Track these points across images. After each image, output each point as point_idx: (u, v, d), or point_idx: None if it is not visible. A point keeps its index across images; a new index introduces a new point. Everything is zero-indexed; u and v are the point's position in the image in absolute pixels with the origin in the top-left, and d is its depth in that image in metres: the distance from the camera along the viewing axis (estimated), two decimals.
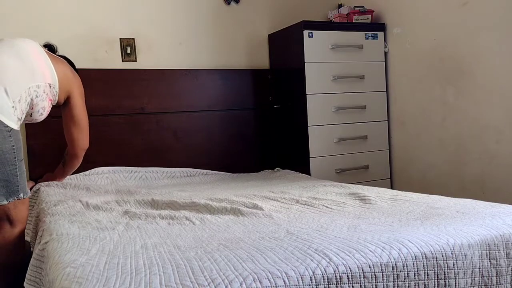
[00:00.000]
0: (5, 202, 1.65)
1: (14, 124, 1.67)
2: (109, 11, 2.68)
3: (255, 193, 1.98)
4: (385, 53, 2.95)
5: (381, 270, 1.07)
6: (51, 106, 1.94)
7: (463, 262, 1.17)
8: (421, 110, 2.74)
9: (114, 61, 2.68)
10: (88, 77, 2.39)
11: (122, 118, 2.62)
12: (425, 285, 1.12)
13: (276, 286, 0.96)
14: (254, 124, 2.95)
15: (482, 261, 1.21)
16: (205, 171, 2.69)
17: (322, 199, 1.81)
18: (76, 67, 2.20)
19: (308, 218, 1.51)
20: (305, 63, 2.71)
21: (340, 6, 3.01)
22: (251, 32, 3.04)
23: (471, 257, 1.19)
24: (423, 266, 1.12)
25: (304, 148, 2.76)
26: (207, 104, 2.82)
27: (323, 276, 1.01)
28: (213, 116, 2.84)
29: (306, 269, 1.01)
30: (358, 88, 2.86)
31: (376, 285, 1.06)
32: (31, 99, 1.78)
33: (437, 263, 1.14)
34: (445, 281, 1.14)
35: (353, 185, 2.20)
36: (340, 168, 2.81)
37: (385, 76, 2.95)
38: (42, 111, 1.88)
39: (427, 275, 1.13)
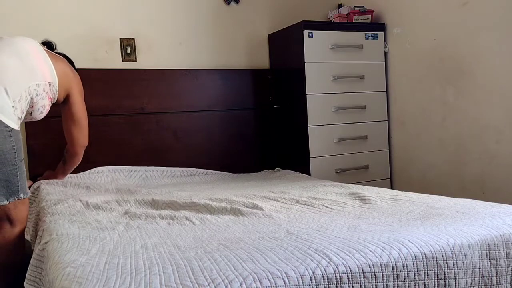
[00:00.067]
0: (5, 202, 1.65)
1: (15, 124, 1.67)
2: (109, 11, 2.68)
3: (255, 193, 1.98)
4: (385, 53, 2.95)
5: (381, 270, 1.07)
6: (51, 104, 1.94)
7: (463, 262, 1.17)
8: (421, 110, 2.75)
9: (114, 61, 2.68)
10: (88, 77, 2.39)
11: (122, 118, 2.62)
12: (425, 285, 1.12)
13: (276, 286, 0.96)
14: (254, 124, 2.95)
15: (482, 261, 1.21)
16: (205, 170, 2.69)
17: (322, 199, 1.81)
18: (76, 67, 2.21)
19: (308, 218, 1.51)
20: (305, 63, 2.71)
21: (340, 6, 3.01)
22: (251, 32, 3.04)
23: (471, 257, 1.19)
24: (423, 266, 1.12)
25: (304, 148, 2.76)
26: (207, 104, 2.82)
27: (323, 276, 1.01)
28: (213, 116, 2.84)
29: (306, 269, 1.01)
30: (358, 88, 2.86)
31: (376, 285, 1.06)
32: (31, 98, 1.78)
33: (437, 263, 1.14)
34: (445, 281, 1.14)
35: (353, 185, 2.20)
36: (340, 168, 2.81)
37: (385, 76, 2.95)
38: (42, 110, 1.88)
39: (427, 275, 1.13)
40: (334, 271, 1.03)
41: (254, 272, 0.98)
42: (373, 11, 2.95)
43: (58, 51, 2.12)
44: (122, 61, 2.70)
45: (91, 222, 1.54)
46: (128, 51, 2.71)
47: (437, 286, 1.14)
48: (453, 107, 2.54)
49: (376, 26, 2.91)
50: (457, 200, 1.65)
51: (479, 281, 1.20)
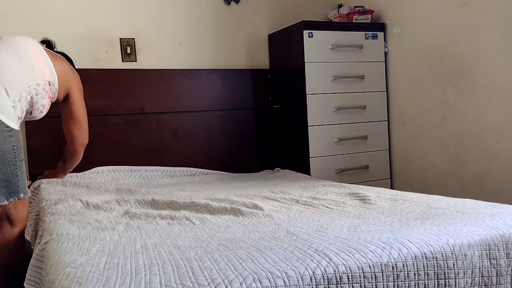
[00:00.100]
0: (5, 202, 1.65)
1: (15, 124, 1.67)
2: (109, 11, 2.68)
3: (255, 193, 1.98)
4: (385, 53, 2.95)
5: (381, 270, 1.07)
6: (51, 103, 1.94)
7: (463, 262, 1.17)
8: (421, 110, 2.74)
9: (114, 61, 2.68)
10: (88, 77, 2.39)
11: (122, 118, 2.62)
12: (425, 285, 1.12)
13: (276, 286, 0.96)
14: (254, 124, 2.95)
15: (482, 261, 1.21)
16: (205, 170, 2.69)
17: (322, 199, 1.81)
18: (75, 64, 2.20)
19: (308, 218, 1.51)
20: (305, 63, 2.71)
21: (340, 6, 3.01)
22: (251, 32, 3.04)
23: (471, 257, 1.19)
24: (423, 266, 1.12)
25: (304, 148, 2.76)
26: (207, 104, 2.82)
27: (323, 276, 1.01)
28: (213, 116, 2.84)
29: (306, 269, 1.01)
30: (358, 88, 2.86)
31: (376, 285, 1.06)
32: (31, 98, 1.79)
33: (437, 263, 1.14)
34: (445, 281, 1.14)
35: (353, 185, 2.20)
36: (340, 168, 2.81)
37: (385, 76, 2.95)
38: (42, 109, 1.88)
39: (427, 275, 1.13)
40: (334, 271, 1.03)
41: (254, 272, 0.98)
42: (373, 11, 2.95)
43: (57, 50, 2.12)
44: (122, 61, 2.70)
45: (91, 222, 1.54)
46: (128, 51, 2.71)
47: (437, 286, 1.14)
48: (453, 107, 2.54)
49: (376, 26, 2.91)
50: (457, 200, 1.65)
51: (479, 281, 1.20)
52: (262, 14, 3.06)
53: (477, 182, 2.43)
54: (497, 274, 1.23)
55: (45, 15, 2.53)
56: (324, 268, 1.03)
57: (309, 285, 1.00)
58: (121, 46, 2.70)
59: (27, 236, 1.89)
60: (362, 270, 1.06)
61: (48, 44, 2.07)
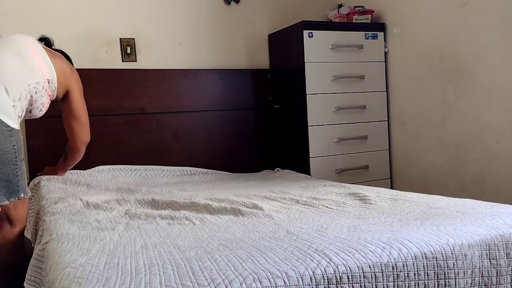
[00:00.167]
0: (6, 202, 1.64)
1: (15, 123, 1.67)
2: (109, 11, 2.68)
3: (255, 193, 1.98)
4: (385, 53, 2.95)
5: (381, 270, 1.07)
6: (50, 101, 1.94)
7: (463, 262, 1.17)
8: (421, 110, 2.75)
9: (114, 61, 2.68)
10: (88, 77, 2.39)
11: (122, 118, 2.62)
12: (425, 285, 1.12)
13: (276, 286, 0.96)
14: (254, 124, 2.95)
15: (482, 261, 1.21)
16: (205, 170, 2.69)
17: (322, 199, 1.81)
18: (75, 66, 2.20)
19: (308, 218, 1.51)
20: (305, 63, 2.71)
21: (340, 6, 3.01)
22: (251, 32, 3.04)
23: (471, 257, 1.19)
24: (423, 266, 1.12)
25: (304, 148, 2.76)
26: (207, 104, 2.82)
27: (323, 276, 1.01)
28: (213, 116, 2.84)
29: (306, 269, 1.01)
30: (358, 88, 2.87)
31: (376, 285, 1.06)
32: (31, 96, 1.78)
33: (437, 263, 1.14)
34: (445, 281, 1.14)
35: (353, 185, 2.20)
36: (340, 168, 2.81)
37: (385, 76, 2.95)
38: (42, 107, 1.88)
39: (427, 275, 1.13)
40: (334, 271, 1.03)
41: (254, 272, 0.98)
42: (373, 11, 2.95)
43: (56, 48, 2.11)
44: (122, 61, 2.70)
45: (91, 222, 1.54)
46: (128, 51, 2.71)
47: (437, 286, 1.14)
48: (453, 107, 2.54)
49: (376, 26, 2.91)
50: (457, 200, 1.65)
51: (479, 281, 1.20)
52: (262, 14, 3.06)
53: (477, 182, 2.43)
54: (497, 274, 1.23)
55: (45, 15, 2.53)
56: (324, 268, 1.03)
57: (309, 285, 1.00)
58: (121, 46, 2.70)
59: (27, 234, 1.89)
60: (362, 270, 1.06)
61: (46, 41, 2.07)
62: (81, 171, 2.40)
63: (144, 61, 2.75)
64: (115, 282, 0.96)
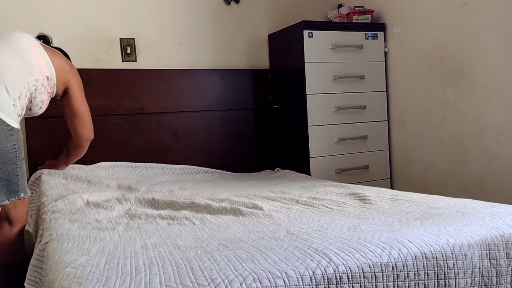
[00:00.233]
0: (6, 202, 1.65)
1: (15, 122, 1.67)
2: (109, 11, 2.68)
3: (255, 193, 1.98)
4: (385, 53, 2.95)
5: (381, 270, 1.07)
6: (50, 99, 1.93)
7: (463, 262, 1.17)
8: (421, 110, 2.74)
9: (114, 61, 2.68)
10: (88, 77, 2.38)
11: (122, 118, 2.62)
12: (425, 285, 1.12)
13: (276, 286, 0.96)
14: (254, 124, 2.95)
15: (482, 261, 1.21)
16: (206, 169, 2.69)
17: (322, 199, 1.81)
18: (75, 66, 2.19)
19: (308, 218, 1.51)
20: (305, 63, 2.71)
21: (340, 6, 3.01)
22: (251, 32, 3.04)
23: (471, 257, 1.19)
24: (423, 266, 1.12)
25: (304, 148, 2.76)
26: (207, 104, 2.82)
27: (323, 276, 1.01)
28: (213, 116, 2.84)
29: (306, 269, 1.01)
30: (358, 88, 2.86)
31: (376, 285, 1.06)
32: (30, 94, 1.78)
33: (437, 263, 1.14)
34: (445, 281, 1.14)
35: (353, 185, 2.20)
36: (340, 168, 2.81)
37: (385, 76, 2.95)
38: (41, 105, 1.87)
39: (427, 275, 1.13)
40: (334, 271, 1.03)
41: (254, 272, 0.98)
42: (373, 11, 2.94)
43: (54, 46, 2.11)
44: (122, 61, 2.70)
45: (91, 222, 1.54)
46: (128, 51, 2.71)
47: (437, 286, 1.14)
48: (453, 107, 2.54)
49: (376, 26, 2.91)
50: (457, 200, 1.65)
51: (479, 281, 1.20)
52: (262, 14, 3.06)
53: (477, 182, 2.43)
54: (497, 274, 1.23)
55: (45, 15, 2.53)
56: (324, 268, 1.03)
57: (309, 285, 1.00)
58: (121, 46, 2.70)
59: (29, 228, 1.89)
60: (362, 270, 1.06)
61: (45, 39, 2.06)
62: (83, 166, 2.37)
63: (144, 61, 2.75)
64: (115, 282, 0.96)
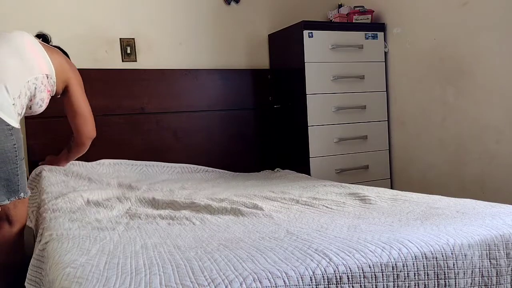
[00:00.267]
0: (6, 202, 1.65)
1: (15, 122, 1.67)
2: (109, 11, 2.68)
3: (255, 193, 1.98)
4: (385, 53, 2.95)
5: (381, 270, 1.07)
6: (50, 97, 1.93)
7: (463, 262, 1.17)
8: (421, 110, 2.74)
9: (114, 61, 2.68)
10: (88, 77, 2.38)
11: (122, 118, 2.62)
12: (425, 285, 1.12)
13: (276, 286, 0.96)
14: (254, 124, 2.95)
15: (482, 261, 1.21)
16: (206, 168, 2.68)
17: (322, 199, 1.81)
18: (76, 67, 2.19)
19: (308, 218, 1.51)
20: (305, 63, 2.71)
21: (340, 6, 3.01)
22: (251, 32, 3.04)
23: (471, 257, 1.19)
24: (423, 266, 1.12)
25: (304, 148, 2.76)
26: (207, 104, 2.82)
27: (323, 276, 1.01)
28: (213, 116, 2.84)
29: (306, 269, 1.01)
30: (358, 88, 2.86)
31: (376, 285, 1.06)
32: (30, 92, 1.78)
33: (437, 263, 1.14)
34: (445, 281, 1.14)
35: (353, 185, 2.20)
36: (340, 168, 2.81)
37: (385, 76, 2.95)
38: (41, 103, 1.87)
39: (427, 275, 1.13)
40: (334, 271, 1.03)
41: (254, 272, 0.98)
42: (373, 11, 2.94)
43: (53, 44, 2.10)
44: (122, 61, 2.70)
45: (91, 222, 1.54)
46: (128, 51, 2.71)
47: (437, 286, 1.14)
48: (453, 107, 2.54)
49: (376, 26, 2.91)
50: (457, 200, 1.65)
51: (479, 281, 1.20)
52: (262, 14, 3.06)
53: (477, 182, 2.43)
54: (497, 274, 1.23)
55: (45, 15, 2.53)
56: (324, 268, 1.03)
57: (309, 285, 1.00)
58: (121, 46, 2.70)
59: (30, 224, 1.89)
60: (362, 270, 1.06)
61: (44, 38, 2.06)
62: (83, 162, 2.37)
63: (144, 61, 2.75)
64: (115, 282, 0.96)
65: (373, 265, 1.07)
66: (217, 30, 2.94)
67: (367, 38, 2.88)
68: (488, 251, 1.22)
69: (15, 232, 1.77)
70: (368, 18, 2.92)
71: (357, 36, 2.85)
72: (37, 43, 1.88)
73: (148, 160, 2.64)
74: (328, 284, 1.02)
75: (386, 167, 2.97)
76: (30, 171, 2.39)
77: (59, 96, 2.03)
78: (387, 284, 1.08)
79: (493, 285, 1.22)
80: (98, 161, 2.44)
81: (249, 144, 2.93)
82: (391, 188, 2.94)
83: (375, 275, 1.06)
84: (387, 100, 2.96)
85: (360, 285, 1.05)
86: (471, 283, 1.19)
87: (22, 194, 1.69)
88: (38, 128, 2.40)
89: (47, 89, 1.88)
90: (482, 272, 1.21)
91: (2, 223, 1.74)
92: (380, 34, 2.91)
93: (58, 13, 2.56)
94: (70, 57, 2.18)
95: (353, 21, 2.89)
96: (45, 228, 1.52)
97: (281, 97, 2.98)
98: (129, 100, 2.63)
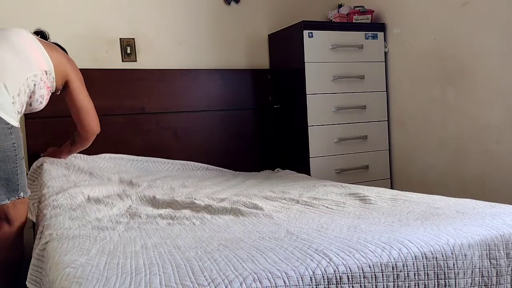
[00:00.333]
0: (6, 202, 1.64)
1: (15, 121, 1.67)
2: (109, 11, 2.68)
3: (255, 193, 1.98)
4: (385, 53, 2.95)
5: (381, 270, 1.07)
6: (50, 93, 1.92)
7: (463, 262, 1.17)
8: (421, 110, 2.74)
9: (114, 61, 2.68)
10: (88, 77, 2.37)
11: (122, 118, 2.62)
12: (425, 285, 1.12)
13: (276, 286, 0.96)
14: (254, 124, 2.95)
15: (482, 261, 1.21)
16: (207, 165, 2.68)
17: (322, 199, 1.81)
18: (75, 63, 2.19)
19: (308, 218, 1.51)
20: (305, 63, 2.71)
21: (340, 6, 3.01)
22: (251, 32, 3.04)
23: (471, 257, 1.19)
24: (423, 266, 1.12)
25: (304, 148, 2.76)
26: (207, 104, 2.82)
27: (323, 276, 1.01)
28: (213, 116, 2.84)
29: (306, 269, 1.01)
30: (358, 88, 2.86)
31: (376, 285, 1.06)
32: (30, 90, 1.78)
33: (437, 263, 1.14)
34: (445, 281, 1.14)
35: (353, 185, 2.20)
36: (340, 168, 2.81)
37: (385, 76, 2.95)
38: (41, 100, 1.87)
39: (427, 275, 1.13)
40: (334, 271, 1.03)
41: (254, 272, 0.98)
42: (373, 11, 2.94)
43: (52, 41, 2.10)
44: (122, 61, 2.70)
45: (91, 221, 1.54)
46: (128, 51, 2.71)
47: (437, 286, 1.14)
48: (453, 107, 2.54)
49: (376, 26, 2.91)
50: (457, 200, 1.65)
51: (479, 281, 1.20)
52: (262, 14, 3.06)
53: (477, 182, 2.43)
54: (497, 274, 1.23)
55: (45, 15, 2.53)
56: (324, 268, 1.03)
57: (309, 285, 1.00)
58: (121, 46, 2.70)
59: (32, 217, 1.89)
60: (362, 270, 1.06)
61: (42, 35, 2.05)
62: (85, 155, 2.35)
63: (144, 61, 2.75)
64: (115, 282, 0.96)
65: (373, 265, 1.07)
66: (217, 30, 2.94)
67: (367, 38, 2.88)
68: (488, 251, 1.22)
69: (15, 230, 1.76)
70: (368, 18, 2.92)
71: (357, 36, 2.85)
72: (35, 40, 1.87)
73: None
74: (328, 284, 1.01)
75: (386, 167, 2.97)
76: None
77: (59, 92, 2.02)
78: (387, 284, 1.08)
79: (493, 285, 1.22)
80: (99, 155, 2.43)
81: (249, 144, 2.93)
82: (391, 188, 2.94)
83: (375, 275, 1.06)
84: (387, 100, 2.96)
85: (360, 285, 1.05)
86: (471, 283, 1.19)
87: (22, 194, 1.69)
88: (38, 128, 2.40)
89: (47, 86, 1.87)
90: (482, 272, 1.21)
91: (1, 222, 1.74)
92: (380, 34, 2.91)
93: (58, 13, 2.56)
94: (66, 50, 2.17)
95: (353, 21, 2.89)
96: (45, 227, 1.52)
97: (281, 97, 2.98)
98: (129, 100, 2.63)
